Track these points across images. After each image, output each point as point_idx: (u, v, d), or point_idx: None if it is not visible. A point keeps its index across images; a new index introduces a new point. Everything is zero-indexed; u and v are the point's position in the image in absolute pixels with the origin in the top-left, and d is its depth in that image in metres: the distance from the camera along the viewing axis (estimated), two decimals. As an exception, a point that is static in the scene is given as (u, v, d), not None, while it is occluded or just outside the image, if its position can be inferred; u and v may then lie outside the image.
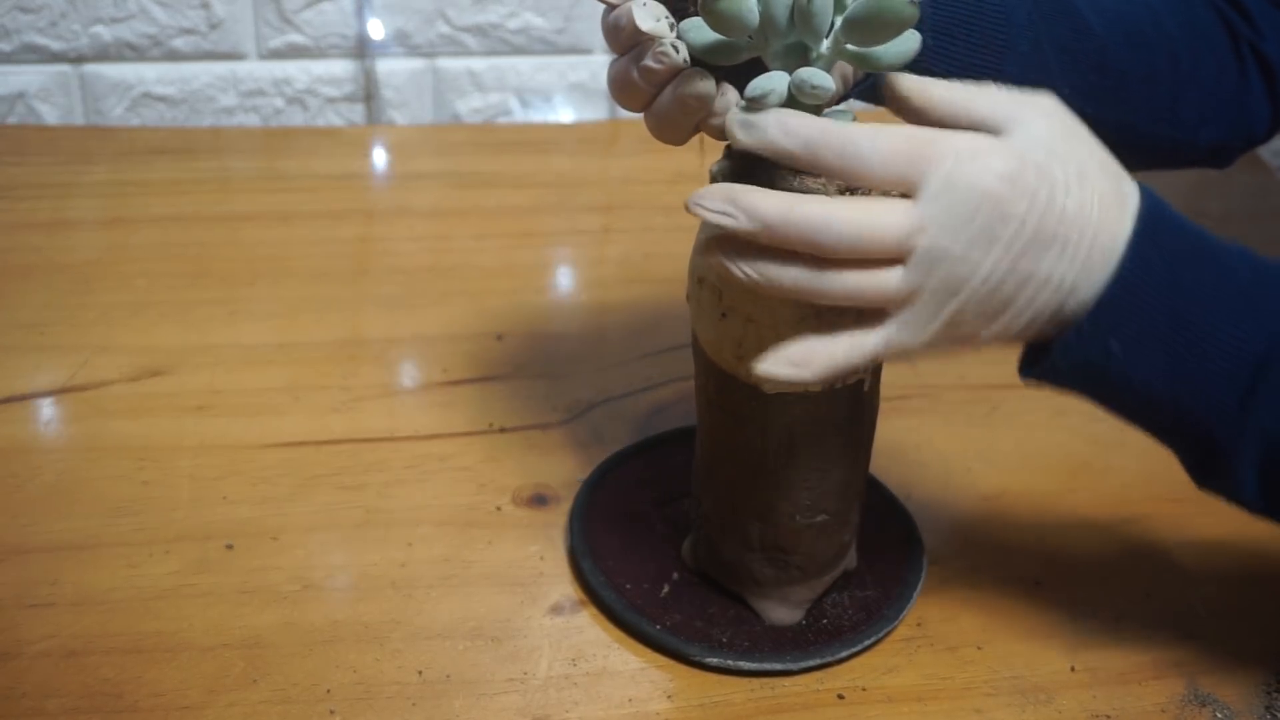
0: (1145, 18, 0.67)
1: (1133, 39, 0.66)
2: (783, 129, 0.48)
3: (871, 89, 0.57)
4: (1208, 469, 0.54)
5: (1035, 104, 0.51)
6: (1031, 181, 0.49)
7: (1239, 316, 0.50)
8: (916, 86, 0.51)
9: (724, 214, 0.49)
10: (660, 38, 0.50)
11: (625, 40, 0.52)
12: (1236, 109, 0.71)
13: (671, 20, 0.51)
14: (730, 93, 0.53)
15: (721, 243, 0.50)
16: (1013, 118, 0.50)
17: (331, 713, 0.57)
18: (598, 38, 1.21)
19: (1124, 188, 0.51)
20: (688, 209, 0.50)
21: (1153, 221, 0.51)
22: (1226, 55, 0.70)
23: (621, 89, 0.54)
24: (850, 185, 0.51)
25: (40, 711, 0.56)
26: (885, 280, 0.49)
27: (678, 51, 0.51)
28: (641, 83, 0.53)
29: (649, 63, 0.51)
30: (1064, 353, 0.51)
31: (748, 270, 0.50)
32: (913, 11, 0.47)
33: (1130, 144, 0.67)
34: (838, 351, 0.51)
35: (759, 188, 0.49)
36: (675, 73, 0.52)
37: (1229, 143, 0.72)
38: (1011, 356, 0.55)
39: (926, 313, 0.50)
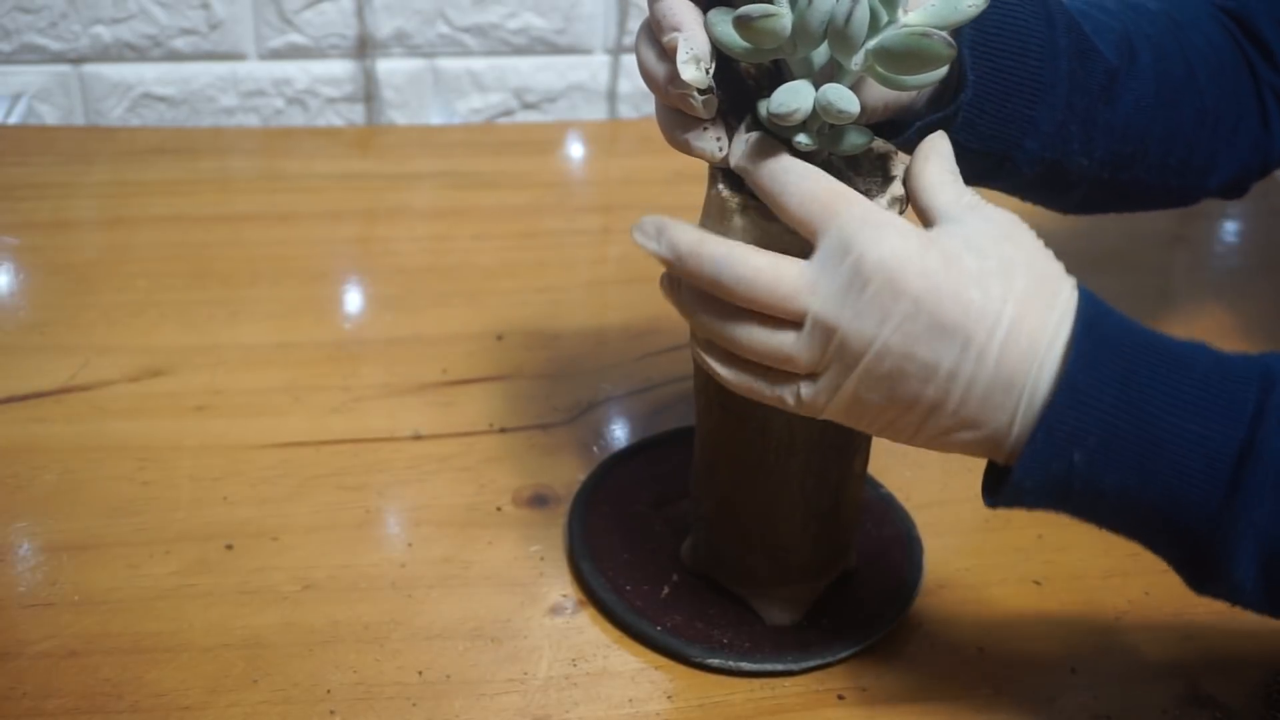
0: (1180, 74, 0.65)
1: (1163, 96, 0.64)
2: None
3: (907, 140, 0.57)
4: (1202, 574, 0.50)
5: (982, 211, 0.50)
6: (934, 264, 0.48)
7: (1206, 411, 0.47)
8: (916, 168, 0.52)
9: (651, 240, 0.51)
10: (694, 89, 0.50)
11: (659, 42, 0.51)
12: (1250, 151, 0.70)
13: (710, 66, 0.49)
14: (738, 144, 0.52)
15: (667, 274, 0.53)
16: (950, 217, 0.50)
17: (332, 713, 0.58)
18: (598, 38, 1.21)
19: (1056, 290, 0.49)
20: (632, 236, 0.52)
21: (1095, 320, 0.48)
22: (1249, 102, 0.69)
23: (644, 77, 0.53)
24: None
25: (40, 711, 0.56)
26: (783, 341, 0.49)
27: (704, 105, 0.50)
28: (661, 97, 0.52)
29: (672, 92, 0.50)
30: (1025, 471, 0.49)
31: (680, 299, 0.53)
32: (949, 51, 0.47)
33: (1133, 195, 0.67)
34: (754, 382, 0.52)
35: (685, 223, 0.51)
36: (694, 114, 0.51)
37: (1241, 181, 0.72)
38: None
39: (830, 383, 0.50)
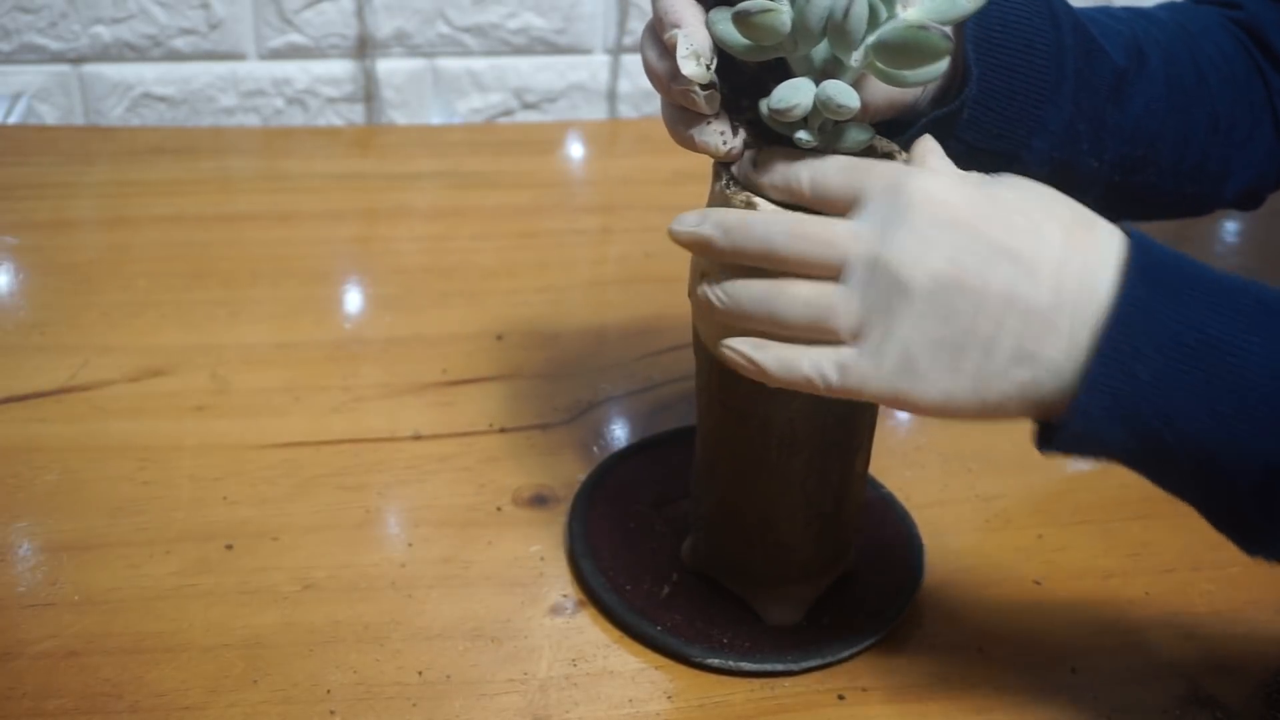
0: (1192, 80, 0.65)
1: (1174, 101, 0.64)
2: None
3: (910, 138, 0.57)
4: (1270, 514, 0.48)
5: (1005, 179, 0.51)
6: (976, 195, 0.48)
7: (1267, 327, 0.47)
8: (916, 164, 0.52)
9: (697, 227, 0.51)
10: (695, 84, 0.50)
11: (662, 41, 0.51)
12: (1265, 160, 0.70)
13: (711, 61, 0.50)
14: (741, 136, 0.52)
15: (704, 274, 0.53)
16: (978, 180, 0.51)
17: (332, 713, 0.58)
18: (598, 38, 1.21)
19: (1095, 220, 0.49)
20: (670, 232, 0.52)
21: (1145, 244, 0.48)
22: (1262, 111, 0.69)
23: (648, 75, 0.53)
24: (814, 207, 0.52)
25: (41, 712, 0.56)
26: (827, 293, 0.49)
27: (708, 101, 0.50)
28: (665, 94, 0.52)
29: (675, 89, 0.51)
30: (1092, 392, 0.47)
31: (719, 293, 0.52)
32: (946, 45, 0.47)
33: (1149, 200, 0.67)
34: (795, 357, 0.50)
35: (725, 208, 0.52)
36: (698, 110, 0.51)
37: (1257, 190, 0.72)
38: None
39: (875, 337, 0.49)
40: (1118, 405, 0.47)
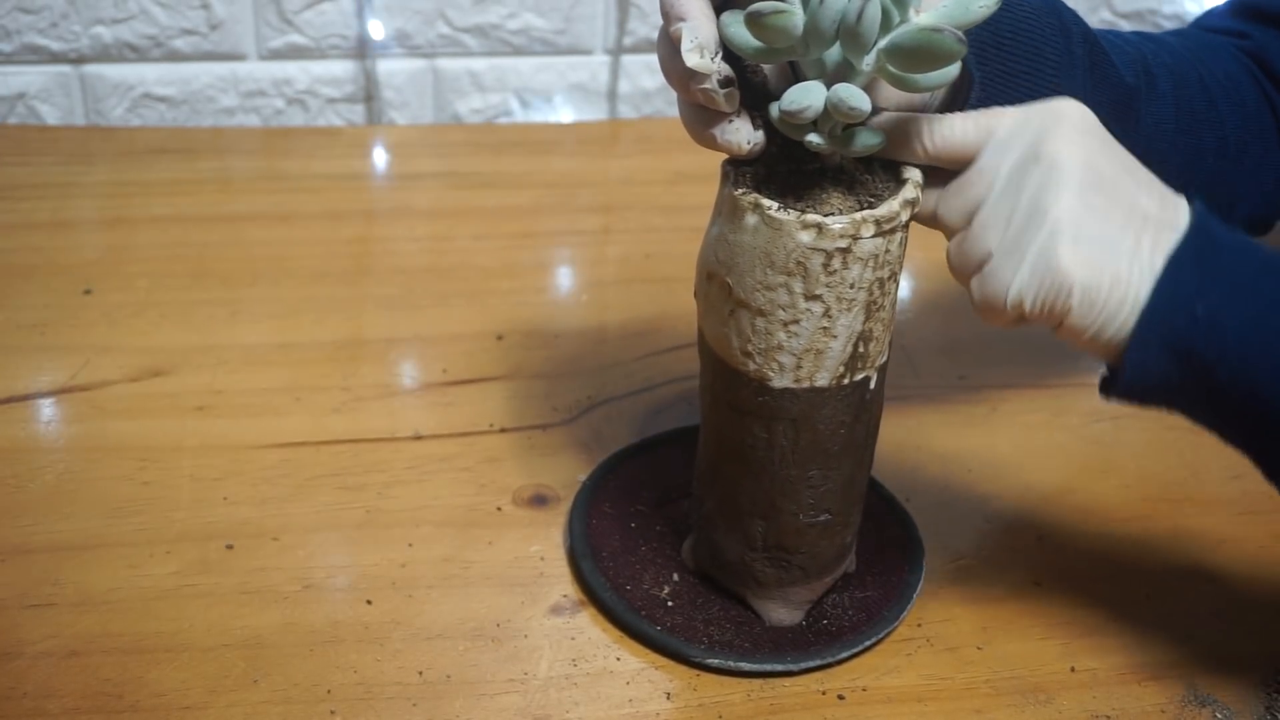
0: (1201, 103, 0.66)
1: (1183, 122, 0.65)
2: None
3: None
4: None
5: None
6: (1105, 136, 0.52)
7: None
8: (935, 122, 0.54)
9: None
10: (706, 76, 0.49)
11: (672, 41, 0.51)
12: (1275, 187, 0.70)
13: (718, 50, 0.49)
14: (762, 134, 0.52)
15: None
16: None
17: (332, 713, 0.58)
18: (598, 38, 1.21)
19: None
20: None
21: (1206, 215, 0.51)
22: (1271, 137, 0.70)
23: (666, 76, 0.52)
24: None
25: (41, 712, 0.56)
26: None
27: (727, 99, 0.50)
28: (684, 94, 0.52)
29: (694, 89, 0.50)
30: (1148, 323, 0.49)
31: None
32: (961, 48, 0.47)
33: None
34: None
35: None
36: (718, 108, 0.51)
37: (1267, 217, 0.72)
38: (1003, 355, 0.55)
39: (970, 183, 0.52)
40: (1172, 338, 0.49)
